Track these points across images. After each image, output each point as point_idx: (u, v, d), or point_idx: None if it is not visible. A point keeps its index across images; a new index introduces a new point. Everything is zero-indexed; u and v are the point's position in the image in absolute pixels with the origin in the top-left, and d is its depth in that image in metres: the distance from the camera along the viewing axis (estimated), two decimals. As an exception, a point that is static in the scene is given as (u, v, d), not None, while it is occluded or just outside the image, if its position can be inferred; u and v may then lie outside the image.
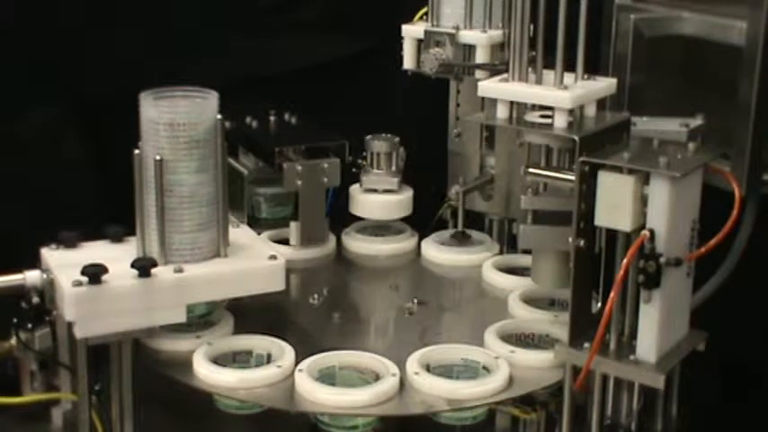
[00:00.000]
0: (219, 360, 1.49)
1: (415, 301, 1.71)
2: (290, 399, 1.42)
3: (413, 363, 1.46)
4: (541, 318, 1.61)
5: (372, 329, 1.65)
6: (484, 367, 1.49)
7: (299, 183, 1.77)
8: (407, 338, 1.58)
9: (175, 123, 1.45)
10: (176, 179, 1.46)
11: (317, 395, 1.40)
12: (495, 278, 1.77)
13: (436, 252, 1.87)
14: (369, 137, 1.90)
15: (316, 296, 1.71)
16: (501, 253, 1.88)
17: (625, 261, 1.34)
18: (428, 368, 1.47)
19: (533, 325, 1.59)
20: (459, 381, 1.46)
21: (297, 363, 1.46)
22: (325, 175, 1.79)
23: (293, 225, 1.82)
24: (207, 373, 1.45)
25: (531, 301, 1.66)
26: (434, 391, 1.42)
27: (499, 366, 1.46)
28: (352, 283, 1.83)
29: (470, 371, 1.49)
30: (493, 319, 1.60)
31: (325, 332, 1.61)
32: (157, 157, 1.44)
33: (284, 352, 1.48)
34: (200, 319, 1.56)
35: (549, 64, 1.49)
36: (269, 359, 1.50)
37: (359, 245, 1.91)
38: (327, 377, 1.46)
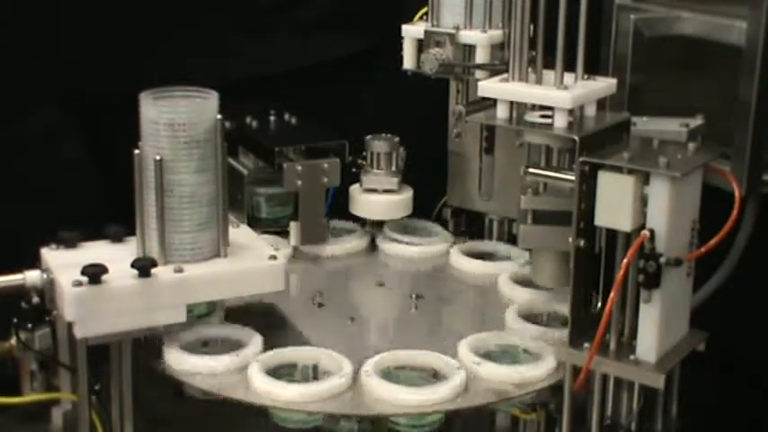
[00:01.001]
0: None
1: (413, 304, 1.70)
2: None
3: (370, 364, 1.45)
4: (530, 332, 1.56)
5: (367, 329, 1.65)
6: (443, 376, 1.47)
7: (299, 183, 1.78)
8: (389, 340, 1.58)
9: (175, 123, 1.45)
10: (176, 179, 1.46)
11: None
12: (507, 290, 1.73)
13: (462, 259, 1.84)
14: (369, 137, 1.90)
15: (316, 296, 1.71)
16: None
17: (625, 261, 1.34)
18: (389, 371, 1.46)
19: (515, 338, 1.57)
20: (411, 386, 1.44)
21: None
22: (325, 175, 1.79)
23: (293, 225, 1.82)
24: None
25: (530, 315, 1.62)
26: (383, 394, 1.41)
27: (456, 375, 1.44)
28: (352, 282, 1.83)
29: (434, 378, 1.48)
30: (482, 329, 1.58)
31: (327, 332, 1.61)
32: (157, 157, 1.44)
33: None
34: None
35: (549, 64, 1.49)
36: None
37: (392, 246, 1.89)
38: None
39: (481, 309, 1.75)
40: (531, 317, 1.62)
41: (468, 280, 1.81)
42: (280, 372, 1.46)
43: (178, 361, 1.47)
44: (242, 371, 1.45)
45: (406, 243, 1.89)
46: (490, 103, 1.53)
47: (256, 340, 1.50)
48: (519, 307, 1.63)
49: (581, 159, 1.37)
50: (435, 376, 1.48)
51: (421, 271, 1.85)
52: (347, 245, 1.88)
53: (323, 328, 1.62)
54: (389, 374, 1.46)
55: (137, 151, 1.46)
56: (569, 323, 1.40)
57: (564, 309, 1.59)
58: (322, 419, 1.45)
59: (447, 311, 1.73)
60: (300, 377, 1.46)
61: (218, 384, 1.44)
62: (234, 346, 1.51)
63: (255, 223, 1.85)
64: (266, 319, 1.61)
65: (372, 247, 1.90)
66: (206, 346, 1.52)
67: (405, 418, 1.44)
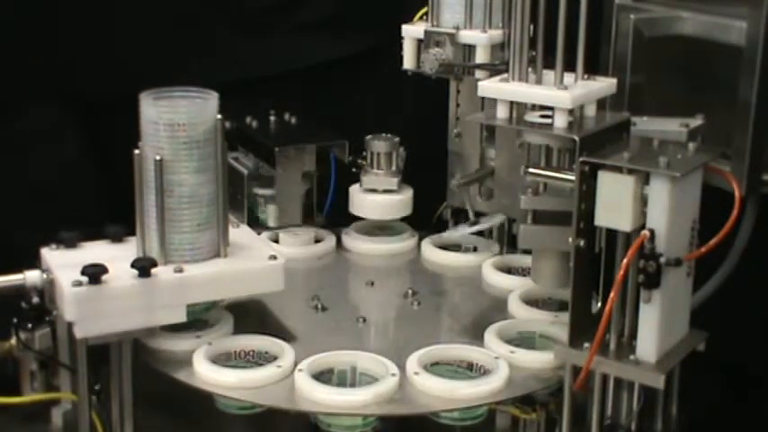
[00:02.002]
0: (219, 360, 1.49)
1: (415, 300, 1.71)
2: (291, 399, 1.42)
3: (413, 363, 1.46)
4: (541, 318, 1.61)
5: (372, 329, 1.65)
6: (483, 366, 1.49)
7: (278, 168, 1.79)
8: (408, 338, 1.58)
9: (175, 124, 1.45)
10: (176, 179, 1.46)
11: (316, 395, 1.40)
12: (495, 278, 1.77)
13: (436, 252, 1.87)
14: (369, 137, 1.90)
15: (315, 296, 1.71)
16: (501, 253, 1.88)
17: (625, 261, 1.34)
18: (428, 368, 1.47)
19: (533, 325, 1.60)
20: (459, 381, 1.46)
21: (296, 363, 1.46)
22: (300, 159, 1.81)
23: (270, 208, 1.83)
24: (207, 373, 1.45)
25: (531, 301, 1.66)
26: (434, 391, 1.42)
27: (499, 366, 1.46)
28: (352, 282, 1.83)
29: (470, 371, 1.49)
30: (493, 320, 1.60)
31: (325, 332, 1.61)
32: (157, 158, 1.44)
33: (284, 352, 1.48)
34: (200, 319, 1.56)
35: (549, 64, 1.49)
36: (268, 359, 1.50)
37: (359, 245, 1.91)
38: (327, 377, 1.46)
39: (478, 298, 1.75)
40: (531, 302, 1.66)
41: (449, 272, 1.84)
42: (321, 378, 1.46)
43: (215, 375, 1.45)
44: (284, 380, 1.44)
45: (373, 241, 1.90)
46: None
47: (288, 349, 1.49)
48: (520, 293, 1.67)
49: (581, 159, 1.37)
50: (471, 369, 1.49)
51: (401, 267, 1.87)
52: (317, 247, 1.88)
53: (336, 331, 1.61)
54: (429, 371, 1.46)
55: (137, 151, 1.46)
56: (569, 323, 1.40)
57: (558, 293, 1.63)
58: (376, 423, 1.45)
59: (448, 304, 1.74)
60: (337, 381, 1.47)
61: (265, 396, 1.43)
62: (261, 356, 1.51)
63: (255, 223, 1.86)
64: (273, 326, 1.61)
65: (339, 246, 1.91)
66: (229, 360, 1.51)
67: (456, 413, 1.45)
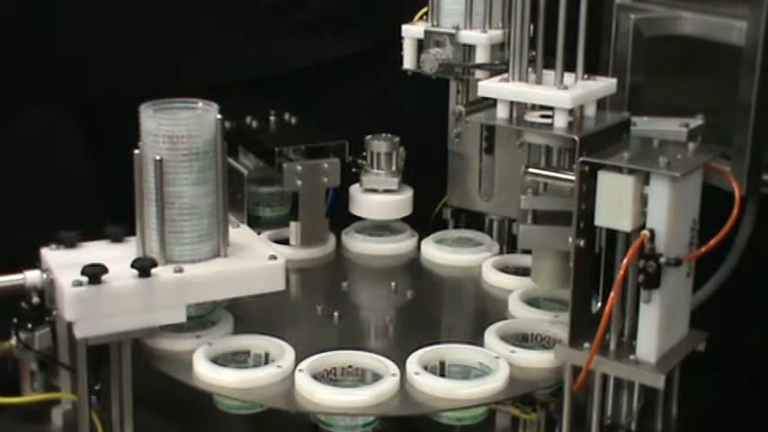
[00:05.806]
0: (219, 360, 1.49)
1: (415, 300, 1.71)
2: (291, 399, 1.42)
3: (413, 363, 1.46)
4: (541, 318, 1.61)
5: (372, 329, 1.65)
6: (483, 367, 1.49)
7: (299, 183, 1.78)
8: (407, 338, 1.58)
9: (175, 135, 1.45)
10: (176, 191, 1.46)
11: (316, 395, 1.40)
12: (495, 278, 1.78)
13: (436, 252, 1.87)
14: (369, 137, 1.90)
15: (316, 296, 1.71)
16: (501, 253, 1.88)
17: (625, 261, 1.34)
18: (428, 368, 1.47)
19: (533, 325, 1.60)
20: (459, 381, 1.46)
21: (297, 363, 1.46)
22: (325, 175, 1.79)
23: (293, 225, 1.81)
24: (207, 373, 1.45)
25: (531, 300, 1.66)
26: (434, 391, 1.42)
27: (499, 366, 1.46)
28: (353, 283, 1.83)
29: (470, 371, 1.49)
30: (493, 320, 1.60)
31: (326, 332, 1.61)
32: (157, 157, 1.43)
33: (284, 352, 1.48)
34: (200, 319, 1.56)
35: (549, 64, 1.49)
36: (268, 359, 1.50)
37: (359, 245, 1.91)
38: (328, 377, 1.46)
39: (478, 298, 1.76)
40: (531, 302, 1.66)
41: (449, 272, 1.83)
42: (321, 378, 1.46)
43: (215, 375, 1.45)
44: (284, 380, 1.45)
45: (374, 241, 1.90)
46: (490, 102, 1.53)
47: (288, 349, 1.49)
48: (520, 293, 1.67)
49: (581, 159, 1.37)
50: (471, 369, 1.49)
51: (401, 267, 1.86)
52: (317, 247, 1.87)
53: (336, 331, 1.62)
54: (429, 371, 1.46)
55: (136, 151, 1.46)
56: (569, 323, 1.40)
57: (558, 293, 1.63)
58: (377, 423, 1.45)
59: (448, 304, 1.74)
60: (337, 381, 1.47)
61: (265, 396, 1.43)
62: (261, 356, 1.52)
63: (255, 223, 1.85)
64: (273, 326, 1.60)
65: (339, 246, 1.91)
66: (229, 360, 1.51)
67: (456, 413, 1.45)
